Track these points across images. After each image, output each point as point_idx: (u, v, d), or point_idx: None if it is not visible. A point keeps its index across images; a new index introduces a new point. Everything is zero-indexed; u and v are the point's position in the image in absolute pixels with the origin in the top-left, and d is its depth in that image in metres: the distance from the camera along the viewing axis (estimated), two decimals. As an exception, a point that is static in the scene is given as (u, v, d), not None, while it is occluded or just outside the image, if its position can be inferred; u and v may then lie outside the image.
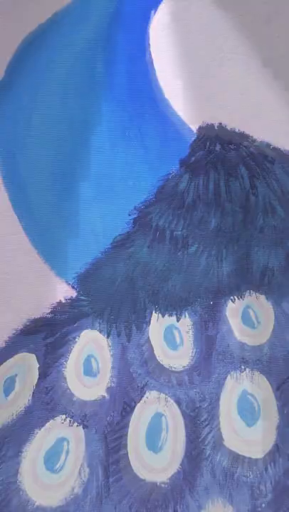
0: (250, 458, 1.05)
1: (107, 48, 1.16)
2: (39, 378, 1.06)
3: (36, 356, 1.07)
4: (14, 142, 1.13)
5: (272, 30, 1.18)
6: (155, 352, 1.07)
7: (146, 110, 1.16)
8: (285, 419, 1.06)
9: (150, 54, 1.17)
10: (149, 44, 1.17)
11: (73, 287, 1.10)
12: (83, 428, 1.04)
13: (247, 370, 1.08)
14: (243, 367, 1.08)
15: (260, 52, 1.19)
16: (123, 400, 1.05)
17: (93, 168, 1.13)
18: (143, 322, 1.08)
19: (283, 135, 1.17)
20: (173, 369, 1.07)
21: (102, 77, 1.15)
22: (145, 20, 1.18)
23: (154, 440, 1.04)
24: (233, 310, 1.10)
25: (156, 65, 1.17)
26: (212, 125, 1.16)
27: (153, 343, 1.08)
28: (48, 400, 1.05)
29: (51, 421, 1.04)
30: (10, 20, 1.16)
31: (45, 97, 1.14)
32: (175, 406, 1.06)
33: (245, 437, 1.05)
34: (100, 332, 1.08)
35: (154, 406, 1.05)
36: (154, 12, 1.18)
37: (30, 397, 1.05)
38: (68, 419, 1.04)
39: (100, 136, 1.14)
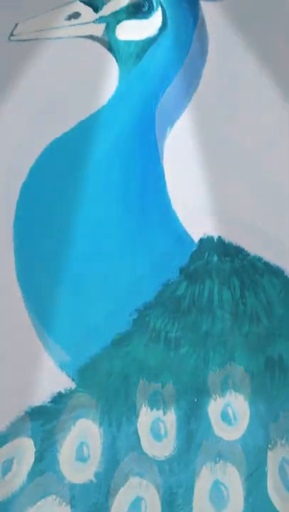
0: (216, 539, 1.19)
1: (123, 158, 1.30)
2: (34, 461, 1.20)
3: (33, 441, 1.21)
4: (31, 242, 1.27)
5: (273, 155, 1.32)
6: (141, 442, 1.21)
7: (154, 220, 1.29)
8: (249, 507, 1.20)
9: (162, 168, 1.30)
10: (162, 158, 1.31)
11: (73, 379, 1.24)
12: (71, 508, 1.18)
13: (221, 462, 1.21)
14: (217, 459, 1.21)
15: (261, 173, 1.32)
16: (109, 483, 1.20)
17: (100, 270, 1.27)
18: (133, 414, 1.22)
19: (274, 251, 1.30)
20: (156, 458, 1.21)
21: (116, 185, 1.29)
22: (161, 136, 1.31)
23: (133, 521, 1.19)
24: (213, 407, 1.23)
25: (167, 178, 1.31)
26: (212, 237, 1.29)
27: (140, 433, 1.21)
28: (41, 481, 1.19)
29: (42, 500, 1.18)
30: (37, 127, 1.31)
31: (63, 202, 1.28)
32: (154, 491, 1.19)
33: (213, 522, 1.19)
34: (94, 421, 1.22)
35: (136, 490, 1.19)
36: (170, 129, 1.31)
37: (25, 478, 1.20)
38: (58, 499, 1.18)
39: (111, 242, 1.28)
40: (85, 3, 1.30)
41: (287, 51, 1.31)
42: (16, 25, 1.30)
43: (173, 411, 1.22)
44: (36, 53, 1.30)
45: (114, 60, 1.30)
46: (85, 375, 1.22)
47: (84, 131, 1.28)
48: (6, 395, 1.22)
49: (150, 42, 1.29)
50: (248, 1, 1.31)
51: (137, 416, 1.21)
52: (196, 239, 1.28)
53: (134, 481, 1.19)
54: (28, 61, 1.29)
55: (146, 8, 1.29)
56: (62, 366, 1.23)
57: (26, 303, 1.24)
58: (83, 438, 1.20)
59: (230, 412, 1.22)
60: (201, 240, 1.27)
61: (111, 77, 1.30)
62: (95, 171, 1.28)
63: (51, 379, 1.22)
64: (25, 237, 1.26)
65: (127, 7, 1.30)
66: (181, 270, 1.26)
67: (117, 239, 1.26)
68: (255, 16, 1.31)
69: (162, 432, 1.21)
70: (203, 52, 1.30)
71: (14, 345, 1.24)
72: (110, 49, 1.30)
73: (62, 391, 1.22)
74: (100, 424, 1.21)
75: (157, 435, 1.21)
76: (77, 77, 1.29)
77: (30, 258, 1.25)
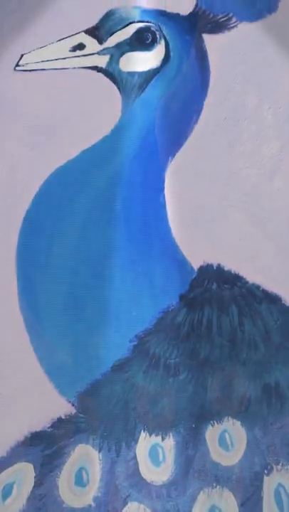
0: None
1: (126, 187, 1.33)
2: (34, 486, 1.23)
3: (33, 466, 1.24)
4: (34, 269, 1.30)
5: (272, 185, 1.34)
6: (140, 467, 1.24)
7: (155, 247, 1.32)
8: (245, 531, 1.23)
9: (164, 196, 1.33)
10: (163, 187, 1.33)
11: (73, 405, 1.26)
12: (70, 531, 1.21)
13: (218, 487, 1.24)
14: (214, 484, 1.24)
15: (261, 203, 1.34)
16: (107, 508, 1.22)
17: (102, 297, 1.29)
18: (132, 440, 1.25)
19: (272, 279, 1.32)
20: (154, 483, 1.23)
21: (118, 214, 1.32)
22: (163, 165, 1.34)
23: None
24: (211, 433, 1.26)
25: (168, 207, 1.33)
26: (211, 265, 1.31)
27: (139, 459, 1.24)
28: (41, 505, 1.22)
29: (41, 524, 1.21)
30: (41, 156, 1.33)
31: (66, 229, 1.31)
32: (152, 516, 1.23)
33: None
34: (93, 447, 1.24)
35: (134, 515, 1.22)
36: (172, 158, 1.34)
37: (24, 503, 1.22)
38: (57, 523, 1.21)
39: (112, 268, 1.30)
40: (89, 34, 1.32)
41: (286, 84, 1.34)
42: (22, 56, 1.32)
43: (171, 436, 1.24)
44: (41, 84, 1.32)
45: (117, 90, 1.32)
46: (85, 400, 1.25)
47: (88, 160, 1.31)
48: (6, 420, 1.24)
49: (153, 73, 1.32)
50: (249, 34, 1.34)
51: (136, 441, 1.24)
52: (195, 267, 1.30)
53: (132, 505, 1.21)
54: (33, 91, 1.32)
55: (150, 40, 1.32)
56: (63, 392, 1.25)
57: (28, 329, 1.27)
58: (82, 463, 1.23)
59: (227, 437, 1.25)
60: (200, 268, 1.30)
61: (114, 108, 1.33)
62: (98, 199, 1.30)
63: (52, 404, 1.24)
64: (28, 264, 1.28)
65: (131, 39, 1.32)
66: (181, 297, 1.29)
67: (119, 266, 1.28)
68: (255, 48, 1.34)
69: (160, 457, 1.23)
70: (204, 83, 1.33)
71: (15, 371, 1.26)
72: (114, 80, 1.33)
73: (63, 417, 1.25)
74: (100, 450, 1.24)
75: (155, 460, 1.23)
76: (82, 108, 1.32)
77: (33, 285, 1.28)
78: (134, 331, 1.28)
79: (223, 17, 1.34)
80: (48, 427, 1.24)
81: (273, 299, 1.30)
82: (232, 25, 1.34)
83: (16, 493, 1.22)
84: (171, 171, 1.33)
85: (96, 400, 1.25)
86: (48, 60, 1.33)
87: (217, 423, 1.25)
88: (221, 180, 1.34)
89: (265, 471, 1.24)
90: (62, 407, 1.25)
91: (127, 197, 1.31)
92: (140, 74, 1.33)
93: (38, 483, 1.22)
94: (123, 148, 1.33)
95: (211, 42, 1.35)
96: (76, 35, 1.33)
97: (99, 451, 1.23)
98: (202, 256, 1.31)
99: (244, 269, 1.32)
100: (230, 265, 1.31)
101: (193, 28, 1.35)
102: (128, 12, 1.34)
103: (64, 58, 1.33)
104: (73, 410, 1.25)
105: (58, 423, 1.24)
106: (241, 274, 1.31)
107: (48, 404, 1.25)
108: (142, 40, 1.33)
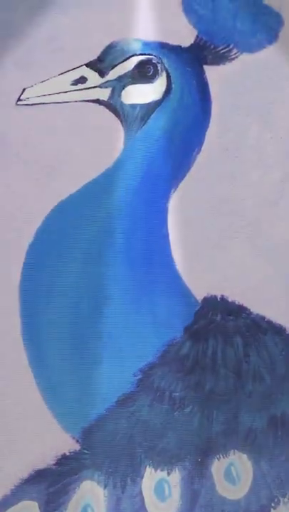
0: None
1: (128, 219, 1.33)
2: (39, 525, 1.23)
3: (38, 504, 1.23)
4: (37, 302, 1.30)
5: (274, 214, 1.34)
6: (146, 503, 1.23)
7: (158, 280, 1.32)
8: None
9: (166, 228, 1.33)
10: (166, 219, 1.33)
11: (78, 441, 1.26)
12: None
13: (225, 521, 1.23)
14: (221, 519, 1.24)
15: (264, 233, 1.34)
16: None
17: (105, 331, 1.29)
18: (137, 475, 1.24)
19: (277, 309, 1.32)
20: (160, 519, 1.23)
21: (120, 246, 1.32)
22: (165, 197, 1.34)
23: None
24: (217, 467, 1.25)
25: (171, 238, 1.33)
26: (215, 297, 1.31)
27: (144, 495, 1.23)
28: None
29: None
30: (43, 190, 1.33)
31: (68, 262, 1.30)
32: None
33: None
34: (98, 483, 1.24)
35: None
36: (174, 190, 1.34)
37: None
38: None
39: (114, 301, 1.30)
40: (91, 68, 1.33)
41: (287, 113, 1.34)
42: (23, 90, 1.33)
43: (177, 471, 1.24)
44: (43, 117, 1.33)
45: (120, 123, 1.33)
46: (89, 436, 1.24)
47: (89, 193, 1.31)
48: (10, 457, 1.24)
49: (155, 105, 1.32)
50: (249, 65, 1.34)
51: (141, 477, 1.23)
52: (199, 298, 1.29)
53: None
54: (35, 126, 1.32)
55: (151, 72, 1.32)
56: (67, 428, 1.25)
57: (31, 364, 1.26)
58: (88, 500, 1.22)
59: (233, 471, 1.24)
60: (204, 300, 1.29)
61: (117, 141, 1.33)
62: (100, 233, 1.30)
63: (56, 441, 1.24)
64: (31, 299, 1.28)
65: (133, 72, 1.32)
66: (185, 330, 1.28)
67: (121, 299, 1.28)
68: (256, 79, 1.34)
69: (166, 492, 1.23)
70: (206, 115, 1.33)
71: (19, 407, 1.25)
72: (116, 113, 1.33)
73: (67, 453, 1.24)
74: (105, 486, 1.23)
75: (161, 496, 1.23)
76: (84, 141, 1.32)
77: (36, 320, 1.28)
78: (138, 364, 1.27)
79: (223, 48, 1.35)
80: (53, 464, 1.24)
81: (278, 330, 1.30)
82: (233, 56, 1.35)
83: (20, 532, 1.22)
84: (173, 202, 1.33)
85: (101, 436, 1.25)
86: (49, 94, 1.33)
87: (223, 456, 1.24)
88: (223, 210, 1.34)
89: (272, 504, 1.23)
90: (66, 443, 1.25)
91: (129, 230, 1.31)
92: (142, 106, 1.33)
93: (43, 521, 1.22)
94: (125, 181, 1.33)
95: (212, 73, 1.35)
96: (77, 69, 1.34)
97: (104, 488, 1.23)
98: (206, 287, 1.31)
99: (248, 299, 1.31)
100: (235, 296, 1.31)
101: (194, 59, 1.35)
102: (129, 45, 1.35)
103: (66, 92, 1.33)
104: (78, 446, 1.25)
105: (63, 460, 1.24)
106: (246, 305, 1.31)
107: (52, 441, 1.24)
108: (143, 73, 1.33)
